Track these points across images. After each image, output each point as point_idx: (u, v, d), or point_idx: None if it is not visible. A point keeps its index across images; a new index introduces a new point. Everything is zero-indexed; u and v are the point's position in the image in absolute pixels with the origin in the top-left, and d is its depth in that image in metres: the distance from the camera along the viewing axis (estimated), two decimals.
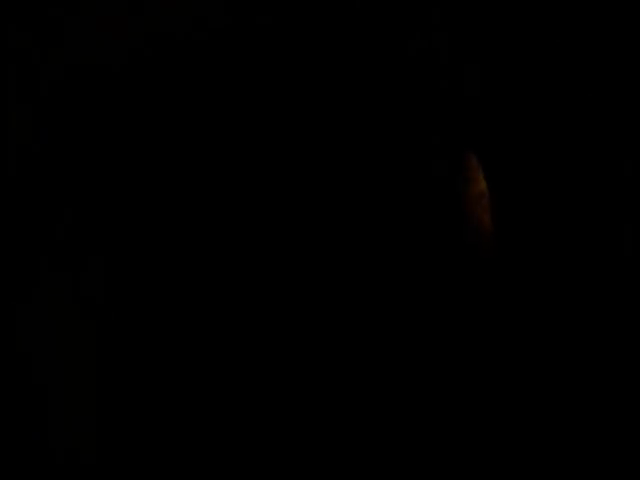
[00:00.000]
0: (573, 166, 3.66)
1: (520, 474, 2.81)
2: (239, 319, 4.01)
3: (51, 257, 2.62)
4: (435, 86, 4.35)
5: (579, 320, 3.95)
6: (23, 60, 2.54)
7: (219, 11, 3.49)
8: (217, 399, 3.42)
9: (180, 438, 3.11)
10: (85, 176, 2.78)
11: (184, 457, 3.03)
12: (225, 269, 3.85)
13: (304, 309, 4.49)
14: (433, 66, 3.94)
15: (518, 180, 4.46)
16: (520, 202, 4.38)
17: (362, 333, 4.23)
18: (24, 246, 2.48)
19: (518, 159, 4.39)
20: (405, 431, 3.18)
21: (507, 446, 3.00)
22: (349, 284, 4.67)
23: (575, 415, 3.18)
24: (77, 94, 2.78)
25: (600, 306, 3.67)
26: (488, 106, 4.33)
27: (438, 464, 2.89)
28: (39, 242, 2.56)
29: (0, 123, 2.41)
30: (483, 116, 4.52)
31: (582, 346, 3.75)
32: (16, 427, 2.44)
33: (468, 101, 4.27)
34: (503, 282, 4.68)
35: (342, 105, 4.74)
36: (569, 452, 2.90)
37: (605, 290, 3.59)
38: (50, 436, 2.61)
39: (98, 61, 2.92)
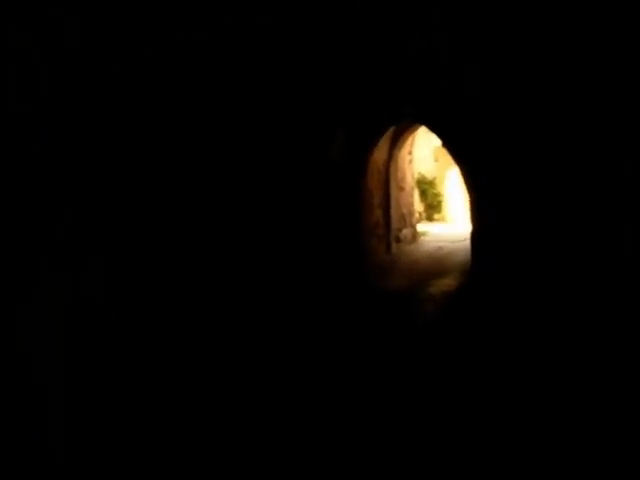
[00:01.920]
0: (574, 167, 3.64)
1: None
2: (233, 317, 4.00)
3: (51, 257, 2.62)
4: (435, 86, 4.34)
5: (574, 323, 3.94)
6: (23, 60, 2.55)
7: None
8: (216, 398, 3.41)
9: (179, 433, 3.11)
10: (85, 176, 2.79)
11: (186, 456, 3.02)
12: (221, 268, 3.84)
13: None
14: (433, 66, 3.93)
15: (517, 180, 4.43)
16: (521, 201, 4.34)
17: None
18: (24, 246, 2.48)
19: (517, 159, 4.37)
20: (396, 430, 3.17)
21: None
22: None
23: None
24: (77, 94, 2.78)
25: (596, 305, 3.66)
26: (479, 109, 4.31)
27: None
28: (39, 242, 2.56)
29: (1, 123, 2.41)
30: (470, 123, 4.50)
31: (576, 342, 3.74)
32: (16, 425, 2.44)
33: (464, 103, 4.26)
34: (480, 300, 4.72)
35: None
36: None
37: (603, 290, 3.58)
38: (50, 433, 2.61)
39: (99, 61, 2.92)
